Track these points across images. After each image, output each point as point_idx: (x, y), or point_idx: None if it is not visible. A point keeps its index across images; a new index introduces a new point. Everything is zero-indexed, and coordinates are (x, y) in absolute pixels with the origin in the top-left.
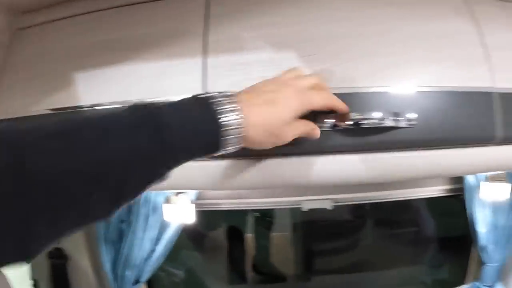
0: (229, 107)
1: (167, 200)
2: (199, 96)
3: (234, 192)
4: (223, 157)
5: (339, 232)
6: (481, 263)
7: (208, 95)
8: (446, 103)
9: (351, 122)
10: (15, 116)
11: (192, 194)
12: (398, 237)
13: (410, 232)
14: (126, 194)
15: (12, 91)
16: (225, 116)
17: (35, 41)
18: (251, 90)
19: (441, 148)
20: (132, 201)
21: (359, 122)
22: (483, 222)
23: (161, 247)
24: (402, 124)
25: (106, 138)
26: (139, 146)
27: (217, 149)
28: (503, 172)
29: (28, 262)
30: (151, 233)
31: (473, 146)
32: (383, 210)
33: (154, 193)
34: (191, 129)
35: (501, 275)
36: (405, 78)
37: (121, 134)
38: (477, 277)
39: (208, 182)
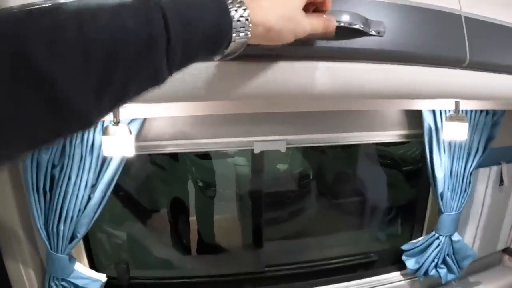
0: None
1: (106, 132)
2: None
3: (179, 132)
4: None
5: (285, 201)
6: (438, 213)
7: None
8: (416, 17)
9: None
10: None
11: (133, 126)
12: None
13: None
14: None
15: None
16: (233, 6)
17: None
18: None
19: (410, 64)
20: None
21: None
22: (441, 167)
23: (98, 195)
24: (371, 31)
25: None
26: (141, 28)
27: (225, 39)
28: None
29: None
30: (87, 178)
31: (441, 67)
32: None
33: (91, 130)
34: (197, 17)
35: (457, 224)
36: None
37: (128, 15)
38: (434, 228)
39: (200, 91)
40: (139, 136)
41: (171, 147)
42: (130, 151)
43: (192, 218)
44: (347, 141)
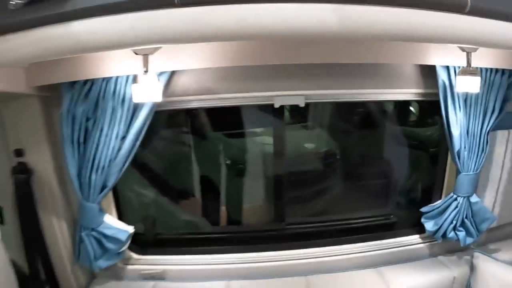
0: None
1: (136, 80)
2: None
3: (204, 87)
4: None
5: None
6: (456, 174)
7: None
8: None
9: None
10: None
11: (161, 78)
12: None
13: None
14: None
15: None
16: None
17: None
18: None
19: (413, 8)
20: None
21: None
22: (456, 124)
23: (127, 145)
24: None
25: None
26: None
27: None
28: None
29: None
30: (118, 129)
31: (444, 11)
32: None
33: (123, 84)
34: None
35: (476, 185)
36: None
37: None
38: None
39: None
40: (166, 92)
41: (196, 102)
42: (157, 97)
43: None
44: (364, 98)
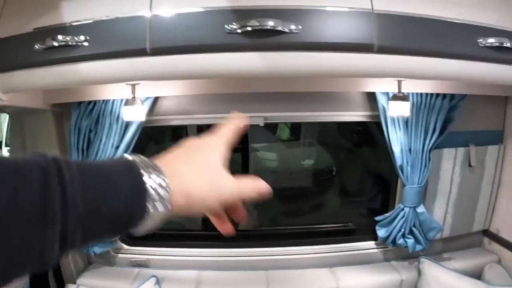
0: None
1: (126, 103)
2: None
3: (182, 109)
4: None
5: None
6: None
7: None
8: (328, 17)
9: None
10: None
11: (147, 102)
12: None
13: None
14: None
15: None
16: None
17: None
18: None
19: (324, 51)
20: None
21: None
22: (396, 142)
23: (120, 153)
24: (289, 30)
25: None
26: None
27: (139, 217)
28: (405, 93)
29: None
30: (113, 140)
31: (354, 52)
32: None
33: (118, 105)
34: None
35: (422, 197)
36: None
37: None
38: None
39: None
40: (152, 112)
41: (176, 120)
42: (141, 117)
43: None
44: (316, 119)
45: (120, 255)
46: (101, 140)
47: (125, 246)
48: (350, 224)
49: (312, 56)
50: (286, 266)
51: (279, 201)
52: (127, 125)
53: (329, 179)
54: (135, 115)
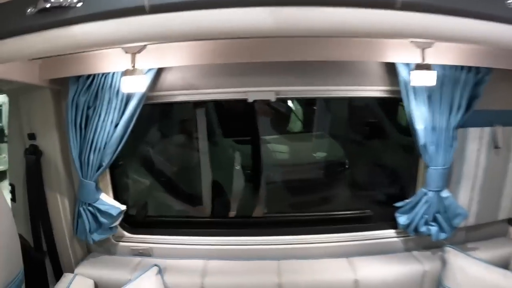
0: None
1: (125, 73)
2: None
3: (187, 84)
4: None
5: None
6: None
7: None
8: None
9: None
10: None
11: (149, 74)
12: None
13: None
14: None
15: None
16: None
17: None
18: None
19: (342, 6)
20: None
21: None
22: (420, 119)
23: (119, 130)
24: None
25: None
26: None
27: None
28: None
29: None
30: (113, 116)
31: (375, 8)
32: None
33: (118, 79)
34: None
35: (446, 180)
36: None
37: None
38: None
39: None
40: (155, 87)
41: (181, 96)
42: (142, 87)
43: None
44: (333, 94)
45: (121, 243)
46: (99, 117)
47: (126, 234)
48: (367, 211)
49: (329, 12)
50: (299, 255)
51: (291, 193)
52: (128, 100)
53: (342, 171)
54: (135, 85)
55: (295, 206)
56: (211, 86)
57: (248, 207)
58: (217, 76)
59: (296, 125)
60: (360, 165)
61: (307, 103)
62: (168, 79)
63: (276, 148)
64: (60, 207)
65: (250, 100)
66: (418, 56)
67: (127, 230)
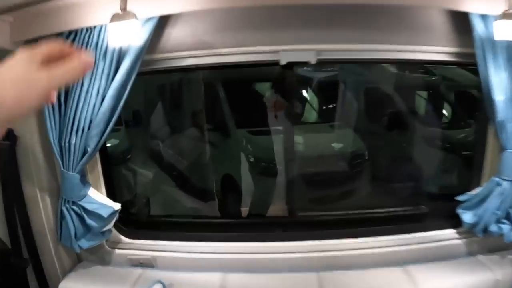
0: None
1: (113, 19)
2: None
3: (199, 42)
4: None
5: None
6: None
7: None
8: None
9: None
10: None
11: (148, 25)
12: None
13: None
14: None
15: None
16: None
17: None
18: None
19: None
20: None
21: None
22: (499, 88)
23: (108, 102)
24: None
25: None
26: None
27: None
28: None
29: None
30: (99, 84)
31: None
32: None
33: (106, 35)
34: None
35: None
36: None
37: None
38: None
39: None
40: (155, 48)
41: (191, 59)
42: (137, 39)
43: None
44: (387, 56)
45: (117, 250)
46: (82, 86)
47: (123, 239)
48: (422, 206)
49: None
50: (343, 265)
51: (327, 187)
52: (119, 62)
53: (386, 160)
54: (127, 35)
55: (333, 202)
56: (231, 43)
57: (276, 204)
58: (238, 30)
59: (311, 115)
60: (408, 152)
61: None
62: (173, 36)
63: (306, 138)
64: (40, 205)
65: (283, 62)
66: (501, 4)
67: (124, 234)
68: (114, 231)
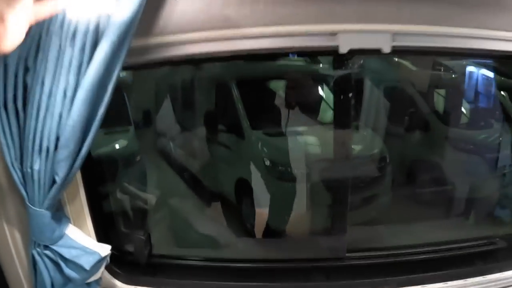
0: None
1: None
2: None
3: (219, 17)
4: None
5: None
6: None
7: None
8: None
9: None
10: None
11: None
12: None
13: None
14: None
15: None
16: None
17: None
18: None
19: None
20: None
21: None
22: None
23: (78, 108)
24: None
25: None
26: None
27: None
28: None
29: None
30: (66, 81)
31: None
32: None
33: (73, 7)
34: None
35: None
36: None
37: None
38: None
39: None
40: (151, 28)
41: (203, 43)
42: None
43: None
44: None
45: None
46: (43, 85)
47: (118, 285)
48: (497, 239)
49: None
50: None
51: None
52: (93, 48)
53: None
54: (105, 6)
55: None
56: (264, 21)
57: (316, 238)
58: (275, 1)
59: (326, 114)
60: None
61: None
62: (178, 11)
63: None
64: (11, 247)
65: (344, 50)
66: None
67: (121, 279)
68: (106, 275)
